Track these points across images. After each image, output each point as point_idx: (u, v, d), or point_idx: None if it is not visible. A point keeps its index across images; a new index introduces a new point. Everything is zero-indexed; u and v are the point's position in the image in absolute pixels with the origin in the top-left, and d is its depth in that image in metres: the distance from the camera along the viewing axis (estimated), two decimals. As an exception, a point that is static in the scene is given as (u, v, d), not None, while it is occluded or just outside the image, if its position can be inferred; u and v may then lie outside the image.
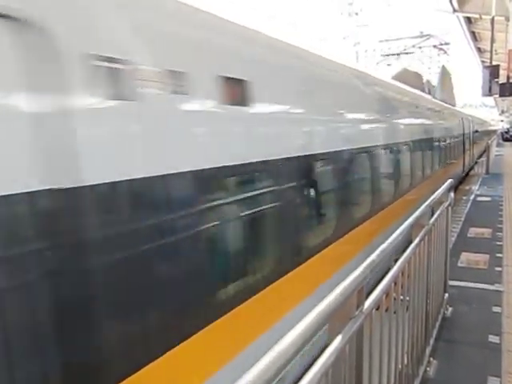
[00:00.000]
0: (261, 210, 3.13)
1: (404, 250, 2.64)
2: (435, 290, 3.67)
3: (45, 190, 1.60)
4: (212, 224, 2.55)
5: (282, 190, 3.26)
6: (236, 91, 2.77)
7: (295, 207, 3.46)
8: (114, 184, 1.87)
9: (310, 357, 1.86)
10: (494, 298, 4.75)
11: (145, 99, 2.06)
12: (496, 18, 14.05)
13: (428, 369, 3.37)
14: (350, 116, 5.08)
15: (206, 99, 2.54)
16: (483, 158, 21.68)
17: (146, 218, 2.06)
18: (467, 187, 14.55)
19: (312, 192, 3.91)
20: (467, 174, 18.79)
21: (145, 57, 2.11)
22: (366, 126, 5.61)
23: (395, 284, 2.32)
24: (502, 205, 10.25)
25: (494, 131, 47.61)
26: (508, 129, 57.07)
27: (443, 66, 18.02)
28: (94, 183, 1.78)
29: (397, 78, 11.57)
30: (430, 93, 13.71)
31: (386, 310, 2.23)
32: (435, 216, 3.50)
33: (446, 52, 29.79)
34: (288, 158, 3.34)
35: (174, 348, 2.13)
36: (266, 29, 3.55)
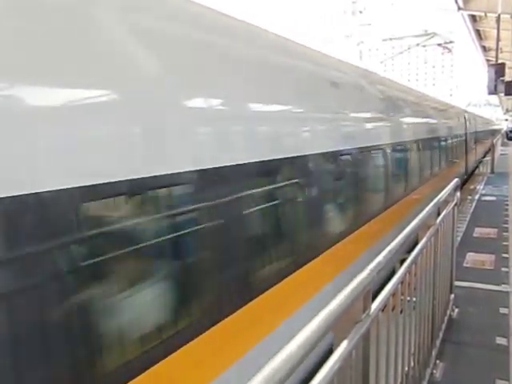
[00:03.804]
0: None
1: (410, 251, 2.58)
2: (441, 291, 3.62)
3: None
4: None
5: None
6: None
7: None
8: None
9: (315, 361, 1.80)
10: (501, 299, 4.68)
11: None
12: (501, 16, 13.93)
13: (434, 371, 3.31)
14: None
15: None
16: (488, 158, 21.35)
17: None
18: (472, 186, 14.46)
19: None
20: None
21: None
22: None
23: (402, 285, 2.27)
24: (507, 204, 10.17)
25: (499, 130, 47.53)
26: None
27: None
28: None
29: None
30: None
31: (392, 310, 2.18)
32: (441, 216, 3.44)
33: (450, 50, 29.62)
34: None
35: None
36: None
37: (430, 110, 11.09)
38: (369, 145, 5.27)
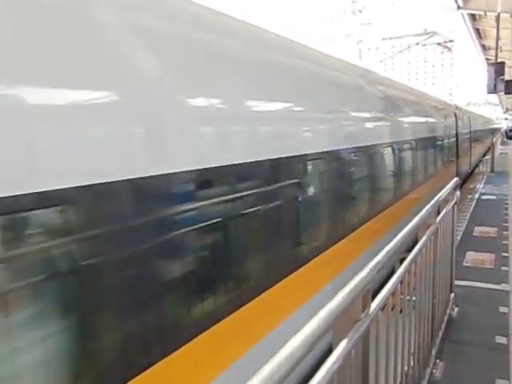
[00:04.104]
0: None
1: (409, 250, 2.58)
2: (441, 290, 3.61)
3: None
4: None
5: None
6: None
7: None
8: None
9: (313, 360, 1.80)
10: (501, 298, 4.68)
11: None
12: (501, 15, 13.93)
13: (434, 371, 3.31)
14: None
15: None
16: (488, 157, 21.07)
17: None
18: (472, 185, 14.46)
19: None
20: None
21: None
22: None
23: (401, 284, 2.27)
24: (507, 203, 10.17)
25: (498, 129, 47.58)
26: None
27: None
28: None
29: None
30: None
31: (392, 310, 2.17)
32: (441, 215, 3.44)
33: (450, 49, 29.62)
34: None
35: None
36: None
37: (405, 104, 8.33)
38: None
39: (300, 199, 3.78)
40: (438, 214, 3.41)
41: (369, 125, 5.81)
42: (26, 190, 1.60)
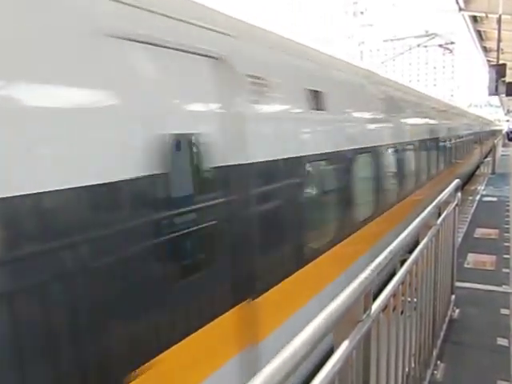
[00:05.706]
0: None
1: (411, 251, 2.58)
2: (442, 292, 3.61)
3: None
4: None
5: None
6: None
7: None
8: None
9: (316, 361, 1.80)
10: (502, 300, 4.68)
11: None
12: (502, 17, 13.92)
13: (435, 372, 3.31)
14: None
15: None
16: (489, 158, 21.03)
17: None
18: (473, 187, 14.45)
19: None
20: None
21: None
22: None
23: (402, 285, 2.27)
24: (508, 205, 10.16)
25: (500, 131, 47.47)
26: None
27: None
28: None
29: None
30: None
31: (393, 311, 2.18)
32: (442, 216, 3.44)
33: (451, 51, 29.65)
34: None
35: None
36: None
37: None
38: None
39: None
40: (439, 215, 3.41)
41: None
42: None
